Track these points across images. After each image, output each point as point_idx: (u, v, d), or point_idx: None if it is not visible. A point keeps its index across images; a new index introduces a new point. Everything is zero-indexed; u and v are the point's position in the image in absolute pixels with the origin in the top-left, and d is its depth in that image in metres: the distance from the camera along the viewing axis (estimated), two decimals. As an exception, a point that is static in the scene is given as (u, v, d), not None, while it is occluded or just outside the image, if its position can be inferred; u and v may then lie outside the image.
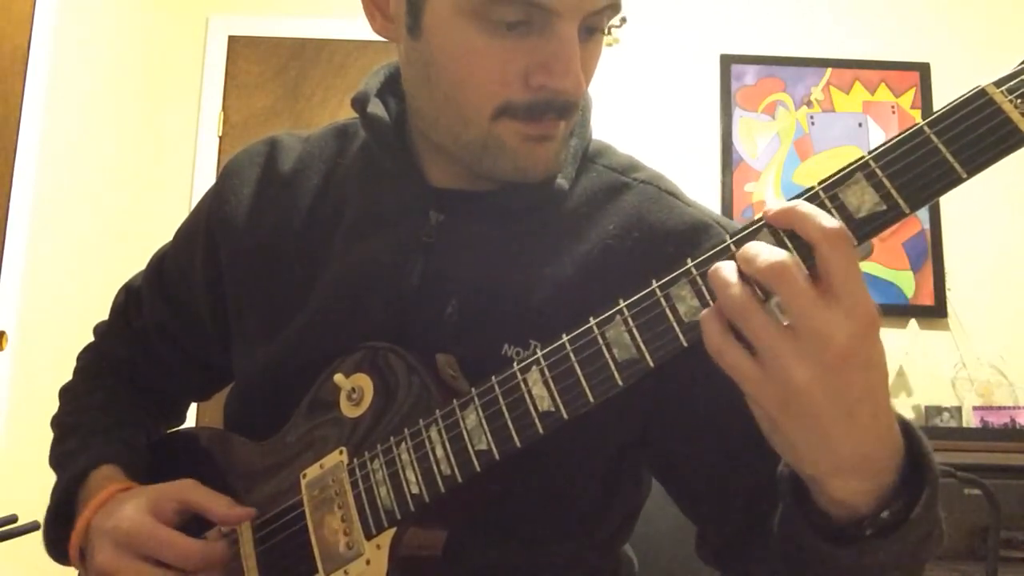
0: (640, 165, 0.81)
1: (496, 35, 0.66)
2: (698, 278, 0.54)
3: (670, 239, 0.73)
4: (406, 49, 0.74)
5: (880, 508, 0.53)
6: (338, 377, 0.72)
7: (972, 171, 0.49)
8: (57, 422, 0.91)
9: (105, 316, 1.00)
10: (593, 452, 0.73)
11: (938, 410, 2.85)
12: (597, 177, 0.79)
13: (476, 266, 0.75)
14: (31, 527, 1.42)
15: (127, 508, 0.73)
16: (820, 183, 0.53)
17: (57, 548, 0.81)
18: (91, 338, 1.00)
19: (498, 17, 0.65)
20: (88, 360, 0.98)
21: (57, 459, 0.86)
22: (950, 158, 0.49)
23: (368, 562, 0.67)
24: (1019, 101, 0.48)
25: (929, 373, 2.94)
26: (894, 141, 0.51)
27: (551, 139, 0.71)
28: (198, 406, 2.84)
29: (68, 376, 0.98)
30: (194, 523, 0.75)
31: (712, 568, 0.78)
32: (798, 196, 0.53)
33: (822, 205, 0.51)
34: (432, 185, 0.79)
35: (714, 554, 0.75)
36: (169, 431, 0.95)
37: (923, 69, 3.20)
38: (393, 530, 0.66)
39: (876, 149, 0.51)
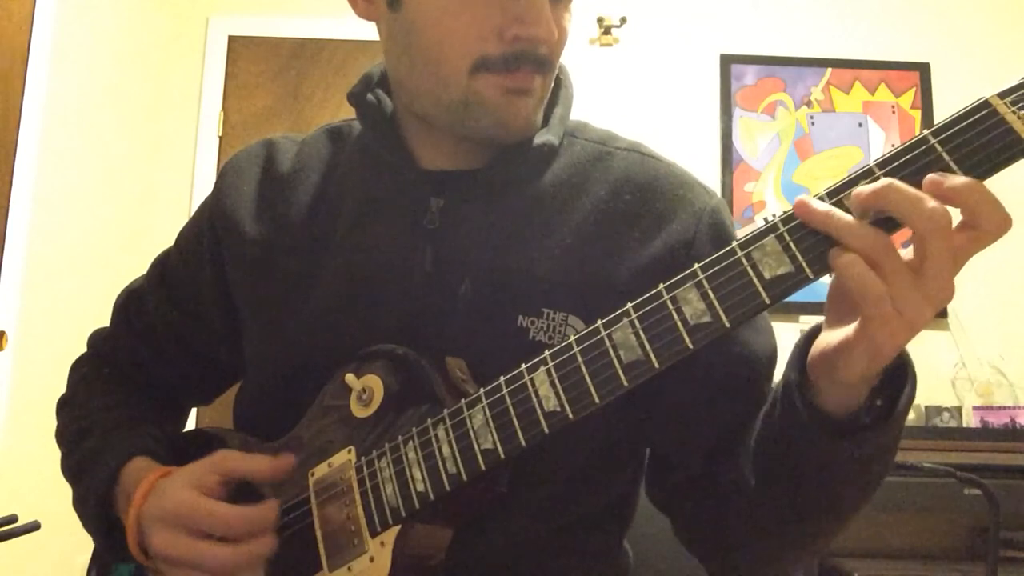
0: (618, 136, 0.85)
1: None
2: (704, 281, 0.55)
3: (659, 196, 0.78)
4: (387, 25, 0.78)
5: (872, 399, 0.59)
6: (349, 377, 0.73)
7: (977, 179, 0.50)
8: (65, 433, 0.89)
9: (105, 316, 0.99)
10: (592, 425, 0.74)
11: (938, 410, 2.85)
12: (580, 149, 0.82)
13: (482, 245, 0.76)
14: (31, 527, 1.41)
15: (171, 489, 0.72)
16: (827, 190, 0.53)
17: (111, 549, 0.81)
18: (91, 338, 1.00)
19: None
20: (88, 370, 0.96)
21: (76, 465, 0.84)
22: (953, 166, 0.50)
23: (372, 559, 0.67)
24: (1022, 112, 0.49)
25: (929, 373, 2.93)
26: (898, 149, 0.52)
27: (528, 93, 0.75)
28: (197, 411, 2.84)
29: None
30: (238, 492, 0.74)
31: (661, 510, 0.81)
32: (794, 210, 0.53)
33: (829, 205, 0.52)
34: (425, 169, 0.81)
35: (667, 492, 0.78)
36: (180, 432, 0.95)
37: (923, 69, 3.21)
38: (398, 528, 0.67)
39: (880, 158, 0.52)
